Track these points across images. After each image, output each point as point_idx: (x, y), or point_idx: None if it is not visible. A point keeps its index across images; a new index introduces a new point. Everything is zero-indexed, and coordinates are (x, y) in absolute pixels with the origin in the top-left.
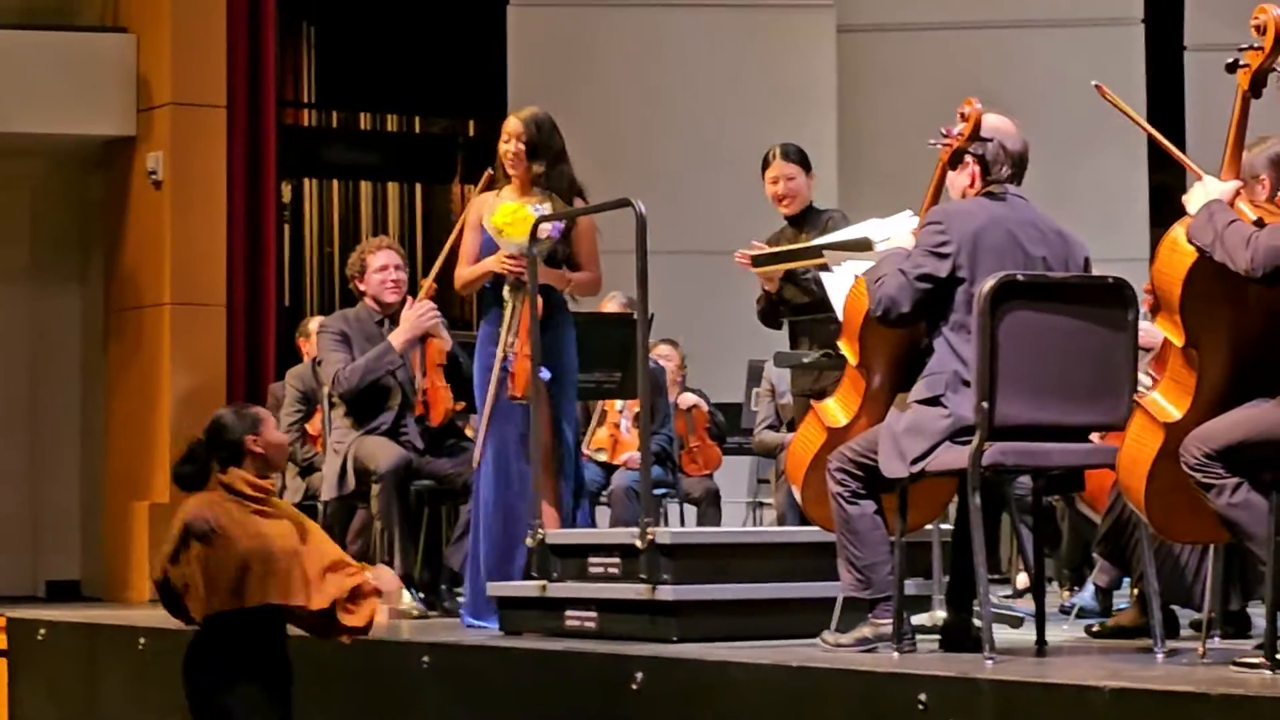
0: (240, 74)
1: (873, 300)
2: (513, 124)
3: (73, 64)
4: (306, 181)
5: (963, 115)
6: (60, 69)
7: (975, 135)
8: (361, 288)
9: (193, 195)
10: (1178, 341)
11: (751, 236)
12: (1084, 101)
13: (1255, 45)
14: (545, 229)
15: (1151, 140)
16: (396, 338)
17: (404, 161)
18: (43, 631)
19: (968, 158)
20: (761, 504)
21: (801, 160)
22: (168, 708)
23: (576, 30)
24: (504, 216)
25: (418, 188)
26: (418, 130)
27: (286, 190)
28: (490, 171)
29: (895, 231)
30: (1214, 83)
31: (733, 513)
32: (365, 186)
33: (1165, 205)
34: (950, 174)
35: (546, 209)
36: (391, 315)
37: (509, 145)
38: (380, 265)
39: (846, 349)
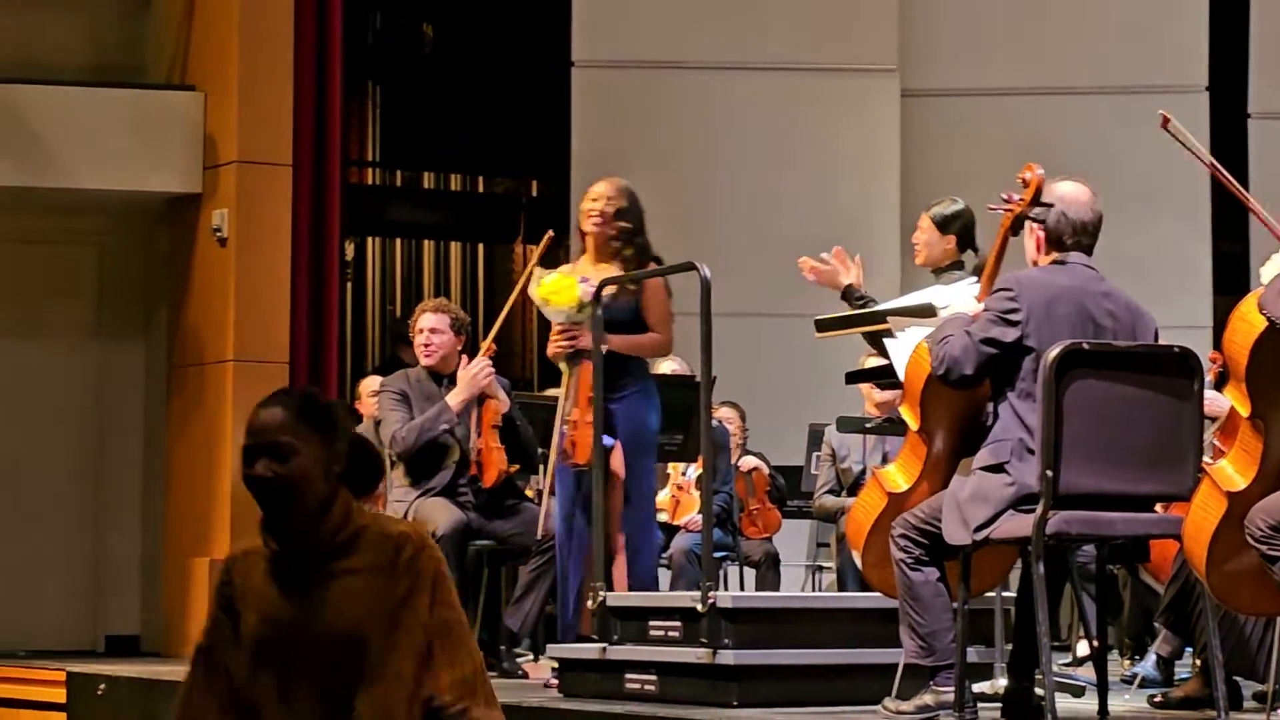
0: (306, 132)
1: (935, 359)
2: (604, 186)
3: (140, 121)
4: (370, 240)
5: (1024, 180)
6: (128, 126)
7: (1036, 200)
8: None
9: (257, 253)
10: (1244, 411)
11: (813, 300)
12: (1148, 168)
13: None
14: (584, 290)
15: (1216, 208)
16: (453, 397)
17: (467, 221)
18: (102, 686)
19: (1030, 224)
20: (821, 568)
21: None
22: None
23: (641, 92)
24: (549, 287)
25: (480, 247)
26: (481, 190)
27: (350, 248)
28: (551, 233)
29: (958, 298)
30: (1277, 149)
31: (792, 576)
32: (428, 245)
33: (1229, 273)
34: (1017, 239)
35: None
36: (451, 375)
37: (596, 205)
38: (419, 328)
39: (908, 414)
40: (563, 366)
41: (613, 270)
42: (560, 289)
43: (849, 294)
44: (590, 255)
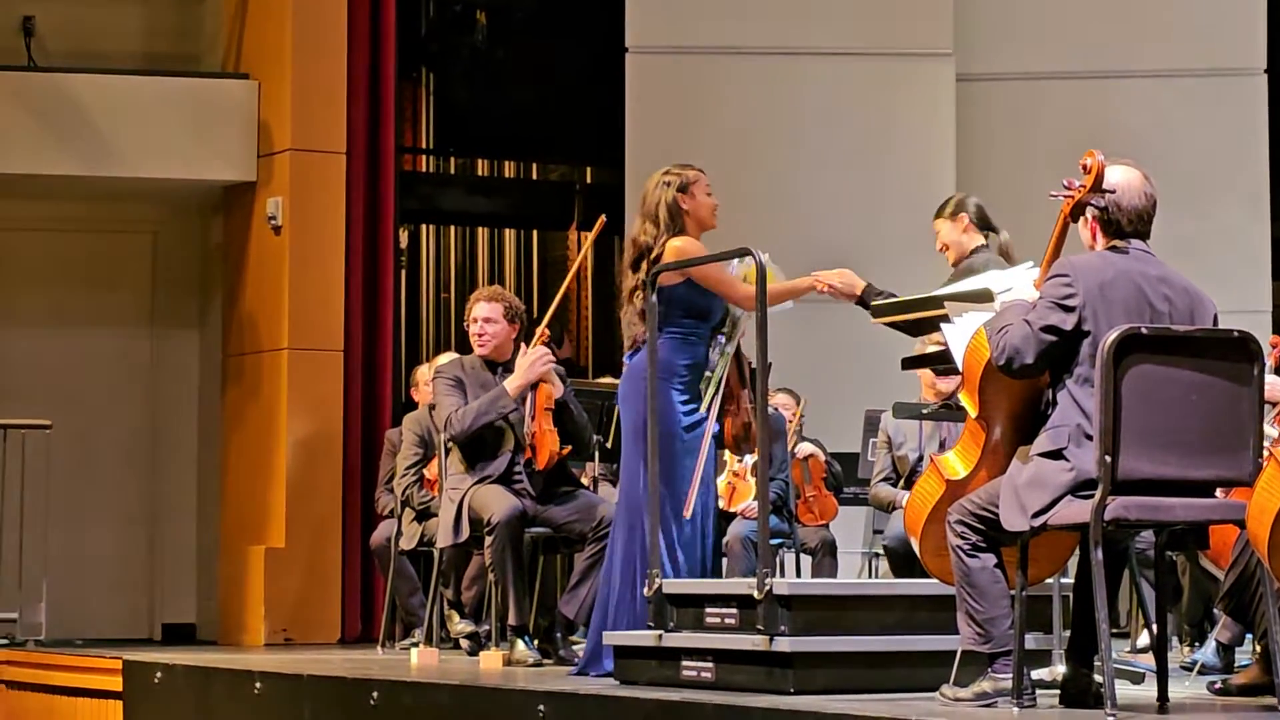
0: (360, 120)
1: (995, 349)
2: None
3: (195, 110)
4: (424, 227)
5: (1085, 167)
6: (182, 115)
7: (1097, 188)
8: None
9: (312, 240)
10: None
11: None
12: (1207, 151)
13: None
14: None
15: (1275, 192)
16: (510, 383)
17: (521, 208)
18: (159, 674)
19: (1089, 210)
20: (877, 554)
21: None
22: None
23: (694, 78)
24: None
25: (534, 234)
26: (535, 177)
27: (404, 236)
28: (604, 219)
29: (1017, 283)
30: None
31: (848, 563)
32: (482, 232)
33: None
34: (1076, 226)
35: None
36: (506, 363)
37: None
38: (473, 317)
39: (966, 401)
40: (715, 359)
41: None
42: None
43: (868, 295)
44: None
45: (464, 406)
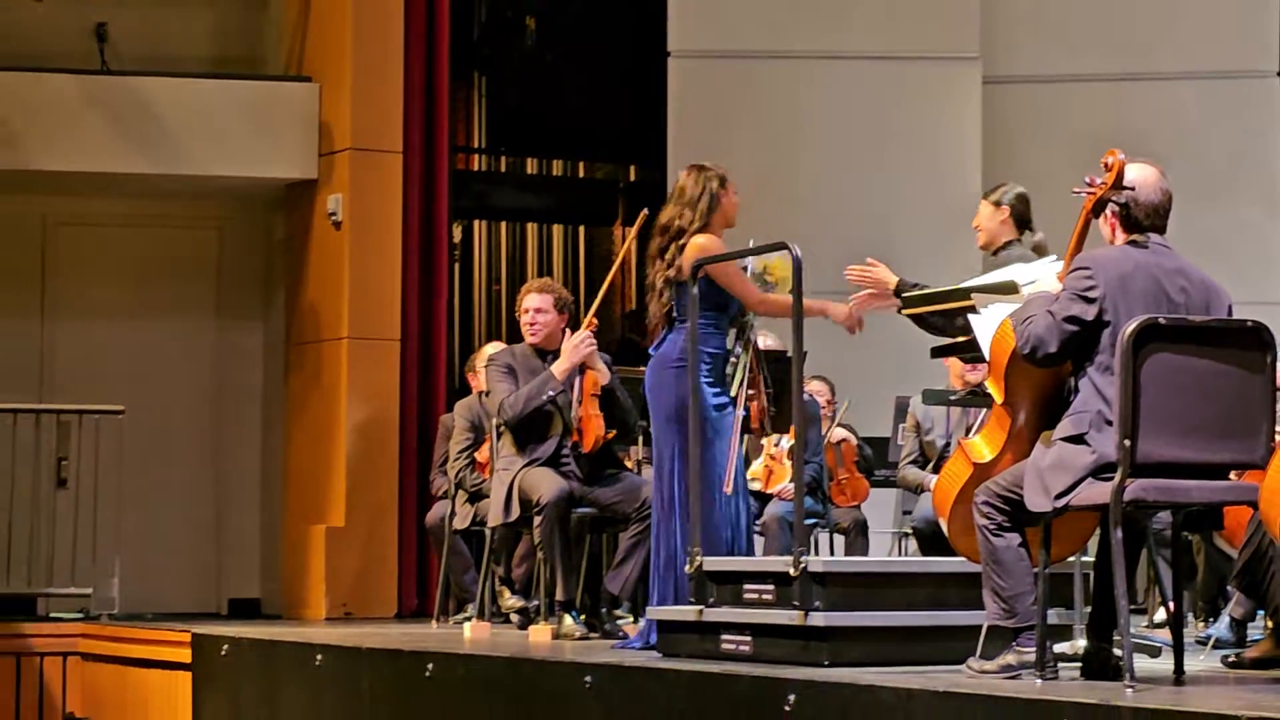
0: (416, 121)
1: (1021, 339)
2: None
3: (259, 111)
4: (476, 223)
5: (1106, 165)
6: (247, 115)
7: (1118, 184)
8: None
9: (370, 235)
10: None
11: (899, 276)
12: (1223, 150)
13: None
14: None
15: None
16: (557, 366)
17: (568, 204)
18: (225, 647)
19: (1111, 205)
20: (906, 534)
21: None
22: None
23: (733, 81)
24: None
25: (581, 229)
26: (581, 175)
27: (457, 231)
28: (646, 211)
29: (1041, 275)
30: None
31: (879, 542)
32: (531, 228)
33: None
34: (1097, 221)
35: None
36: (555, 351)
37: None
38: (524, 308)
39: (993, 387)
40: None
41: None
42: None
43: (901, 289)
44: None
45: (515, 392)
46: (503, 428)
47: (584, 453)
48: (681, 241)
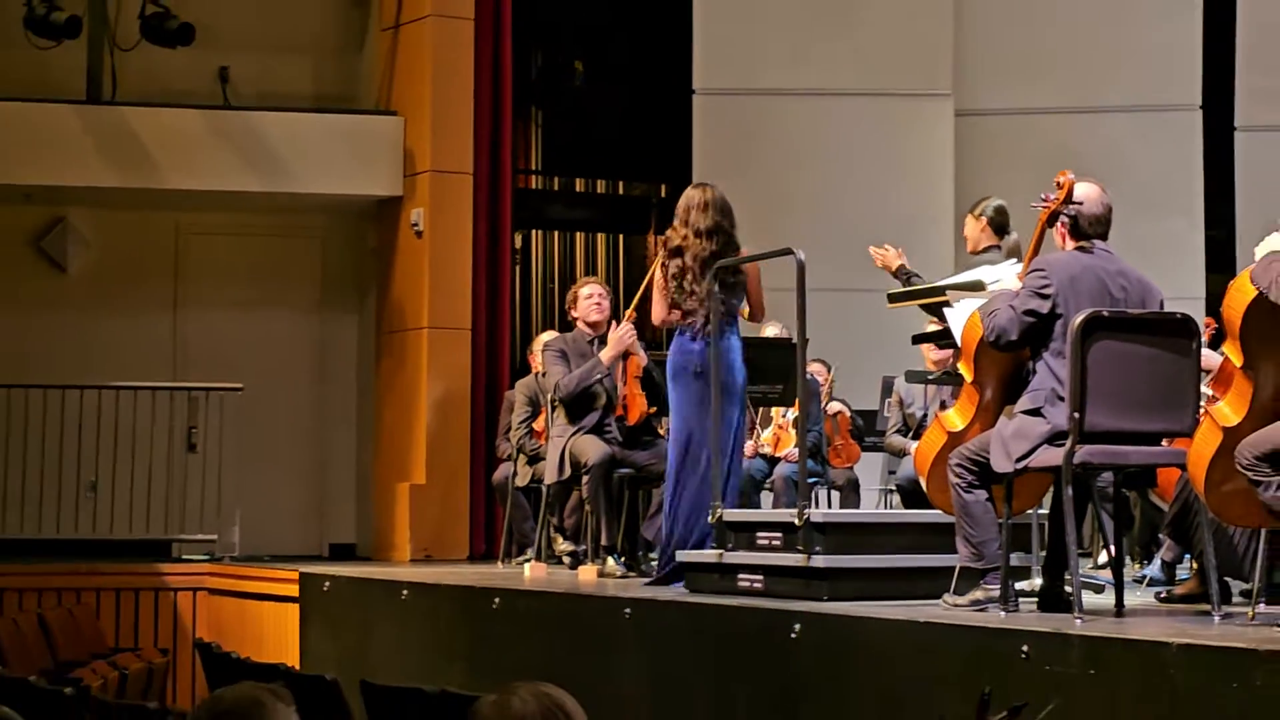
0: (484, 147)
1: (986, 329)
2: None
3: (354, 140)
4: (534, 233)
5: (1058, 184)
6: (344, 143)
7: (1068, 200)
8: (574, 314)
9: (446, 243)
10: (1238, 362)
11: (884, 279)
12: (1154, 171)
13: None
14: None
15: (1208, 204)
16: (605, 354)
17: (610, 217)
18: (327, 584)
19: (1063, 217)
20: (891, 491)
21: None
22: (425, 647)
23: (746, 114)
24: None
25: (620, 238)
26: (621, 192)
27: (518, 239)
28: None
29: (1004, 275)
30: (1259, 160)
31: (869, 498)
32: (579, 236)
33: (1218, 255)
34: (1051, 231)
35: None
36: (601, 336)
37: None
38: (587, 294)
39: (964, 368)
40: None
41: None
42: None
43: (900, 272)
44: None
45: (569, 374)
46: (556, 402)
47: (630, 425)
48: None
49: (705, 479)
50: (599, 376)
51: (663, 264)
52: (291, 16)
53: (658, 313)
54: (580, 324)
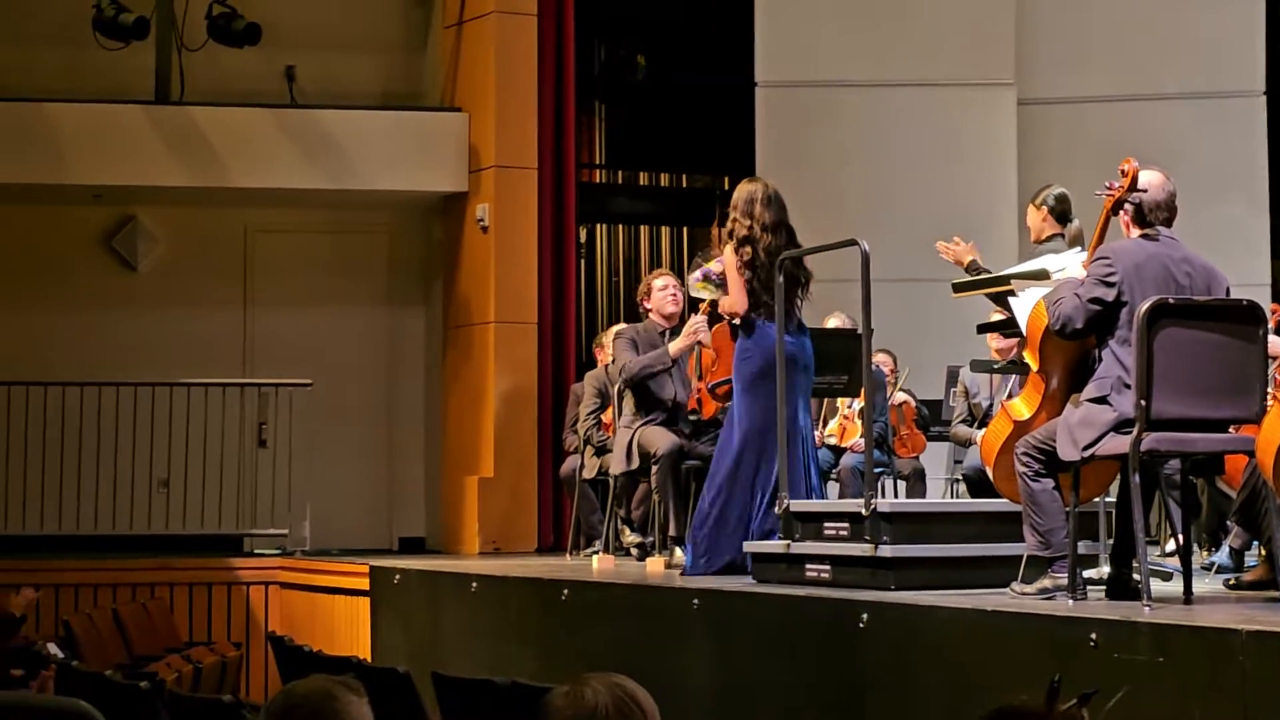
0: (548, 143)
1: (1052, 317)
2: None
3: (419, 136)
4: (598, 226)
5: (1122, 171)
6: (409, 140)
7: (1132, 187)
8: (647, 305)
9: (511, 237)
10: None
11: (948, 269)
12: (1217, 158)
13: None
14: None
15: (1273, 191)
16: (673, 345)
17: (673, 210)
18: (397, 577)
19: (1126, 205)
20: (957, 481)
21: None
22: (495, 638)
23: (808, 105)
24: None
25: (684, 230)
26: (684, 185)
27: (582, 233)
28: None
29: (1068, 264)
30: None
31: (934, 487)
32: (643, 230)
33: None
34: (1116, 218)
35: None
36: (674, 328)
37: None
38: (661, 285)
39: (1029, 358)
40: None
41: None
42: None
43: (971, 267)
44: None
45: (636, 359)
46: (625, 390)
47: (703, 419)
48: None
49: (752, 492)
50: (663, 367)
51: (735, 252)
52: (356, 15)
53: (739, 301)
54: (654, 315)
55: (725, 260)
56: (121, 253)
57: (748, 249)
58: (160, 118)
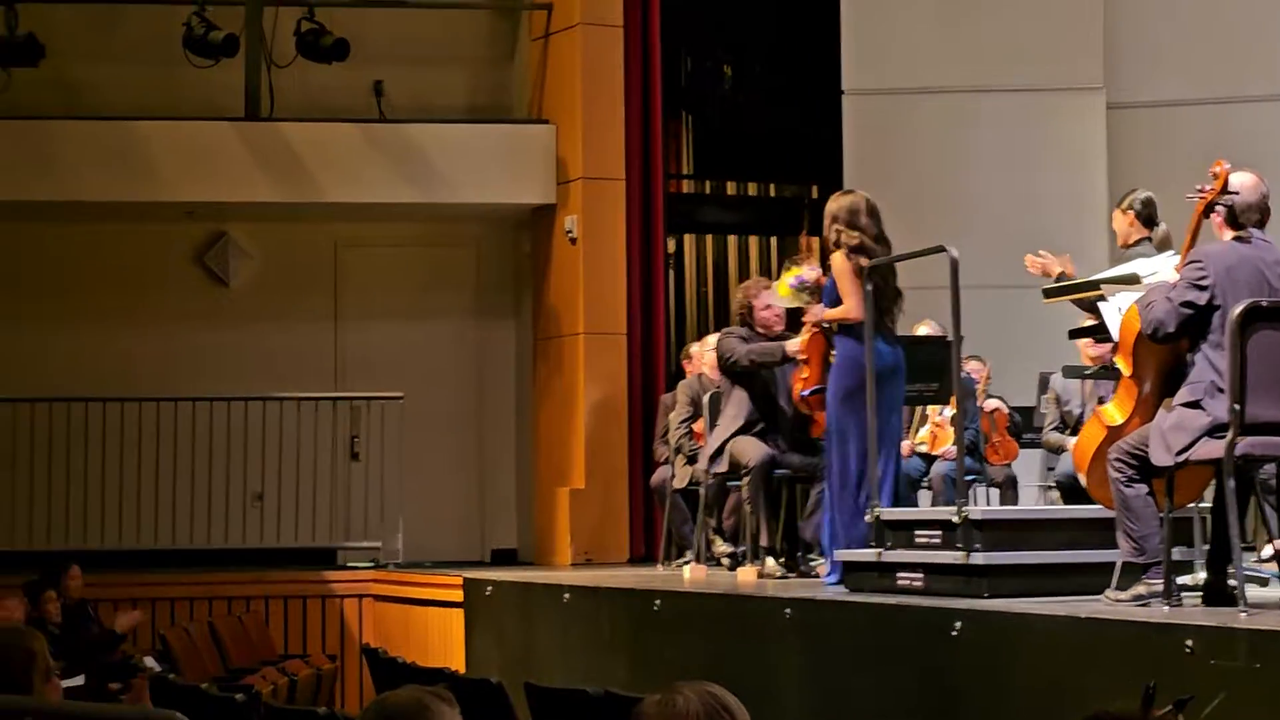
0: (635, 153)
1: (1144, 322)
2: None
3: (507, 149)
4: (686, 237)
5: (1214, 174)
6: (497, 153)
7: (1224, 190)
8: (751, 321)
9: (600, 248)
10: None
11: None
12: None
13: None
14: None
15: None
16: (790, 343)
17: (762, 219)
18: (490, 589)
19: (1218, 207)
20: (1050, 487)
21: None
22: (588, 649)
23: (896, 113)
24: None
25: (772, 240)
26: (773, 194)
27: (671, 244)
28: None
29: (1160, 268)
30: None
31: (1027, 494)
32: (732, 240)
33: None
34: (1208, 221)
35: None
36: (779, 334)
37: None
38: (765, 305)
39: (1121, 363)
40: None
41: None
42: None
43: (1060, 279)
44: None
45: (747, 347)
46: (725, 393)
47: (813, 436)
48: None
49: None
50: (775, 359)
51: (847, 258)
52: (442, 29)
53: (856, 309)
54: (759, 330)
55: (837, 269)
56: (213, 268)
57: (863, 258)
58: (250, 134)
